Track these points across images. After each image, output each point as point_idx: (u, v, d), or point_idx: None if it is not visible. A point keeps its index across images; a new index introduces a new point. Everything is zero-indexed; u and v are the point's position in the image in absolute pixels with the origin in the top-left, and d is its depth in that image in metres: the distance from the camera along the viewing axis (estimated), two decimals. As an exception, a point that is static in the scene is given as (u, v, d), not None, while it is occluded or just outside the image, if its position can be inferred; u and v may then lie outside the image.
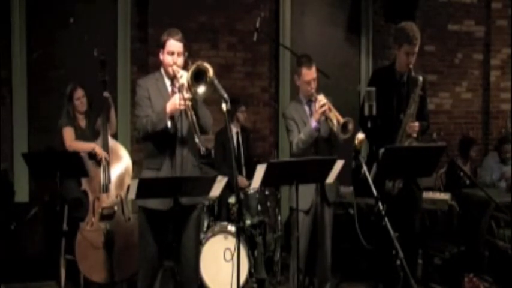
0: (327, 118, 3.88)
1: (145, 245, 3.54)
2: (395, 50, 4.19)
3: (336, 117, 3.81)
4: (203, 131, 3.47)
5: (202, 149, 3.37)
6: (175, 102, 3.32)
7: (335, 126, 3.82)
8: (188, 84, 3.27)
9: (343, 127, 3.74)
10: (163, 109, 3.35)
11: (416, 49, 4.05)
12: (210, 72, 3.26)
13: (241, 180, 5.18)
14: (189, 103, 3.30)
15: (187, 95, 3.29)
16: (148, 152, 3.57)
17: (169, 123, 3.37)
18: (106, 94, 4.56)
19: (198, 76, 3.27)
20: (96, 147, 4.46)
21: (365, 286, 4.84)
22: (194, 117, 3.34)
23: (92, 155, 4.47)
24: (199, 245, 3.86)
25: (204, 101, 3.49)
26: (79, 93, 4.72)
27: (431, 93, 6.81)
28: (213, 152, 5.54)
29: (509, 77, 7.22)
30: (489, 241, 5.02)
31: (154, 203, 3.41)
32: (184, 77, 3.31)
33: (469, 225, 5.07)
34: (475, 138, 6.84)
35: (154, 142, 3.49)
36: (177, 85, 3.37)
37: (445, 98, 7.17)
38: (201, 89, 3.29)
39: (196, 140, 3.35)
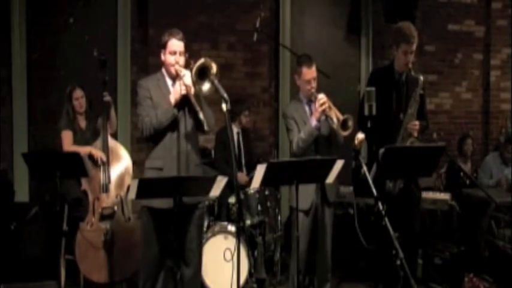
0: (327, 117, 3.89)
1: (148, 245, 3.54)
2: (393, 50, 4.21)
3: (335, 115, 3.82)
4: (205, 130, 3.49)
5: (206, 127, 3.40)
6: (177, 89, 3.38)
7: (335, 124, 3.83)
8: (192, 81, 3.29)
9: (343, 124, 3.75)
10: (168, 103, 3.40)
11: (414, 47, 4.07)
12: (214, 69, 3.28)
13: (241, 176, 5.19)
14: (190, 88, 3.34)
15: (187, 81, 3.33)
16: (150, 152, 3.57)
17: (175, 111, 3.41)
18: (107, 98, 4.55)
19: (202, 73, 3.29)
20: (92, 149, 4.46)
21: (365, 286, 4.84)
22: (198, 108, 3.37)
23: (91, 157, 4.47)
24: (202, 245, 3.85)
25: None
26: (78, 93, 4.72)
27: (432, 93, 6.82)
28: (213, 151, 5.54)
29: (509, 77, 7.23)
30: (489, 241, 5.02)
31: (158, 202, 3.41)
32: (187, 76, 3.34)
33: (469, 225, 5.07)
34: (469, 134, 6.83)
35: (156, 141, 3.50)
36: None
37: (445, 98, 7.18)
38: (206, 86, 3.30)
39: (201, 116, 3.37)
